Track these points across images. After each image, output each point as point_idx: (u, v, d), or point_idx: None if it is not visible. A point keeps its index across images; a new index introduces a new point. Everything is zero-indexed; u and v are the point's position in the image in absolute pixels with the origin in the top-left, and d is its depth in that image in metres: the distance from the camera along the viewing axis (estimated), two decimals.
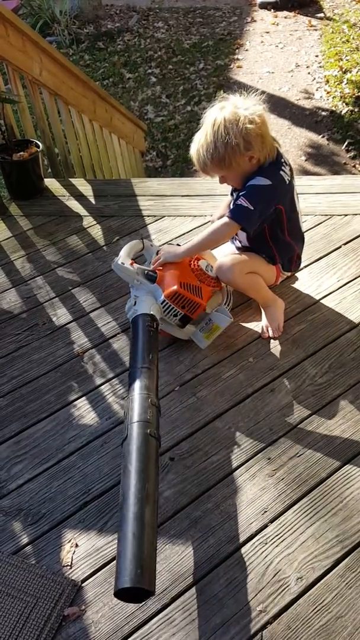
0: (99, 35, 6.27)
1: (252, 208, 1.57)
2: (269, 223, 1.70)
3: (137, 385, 1.41)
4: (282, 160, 1.63)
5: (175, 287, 1.64)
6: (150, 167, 4.29)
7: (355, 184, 2.38)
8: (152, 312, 1.64)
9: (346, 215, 2.20)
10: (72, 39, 6.13)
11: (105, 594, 1.25)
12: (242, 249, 1.85)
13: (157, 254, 1.80)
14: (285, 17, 6.35)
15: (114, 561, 1.29)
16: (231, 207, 1.65)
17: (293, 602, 1.20)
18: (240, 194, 1.60)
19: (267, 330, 1.77)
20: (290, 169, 1.67)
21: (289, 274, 1.91)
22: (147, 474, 1.21)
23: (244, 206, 1.58)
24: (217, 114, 1.53)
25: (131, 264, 1.70)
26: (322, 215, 2.20)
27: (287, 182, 1.63)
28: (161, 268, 1.72)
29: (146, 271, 1.70)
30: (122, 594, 1.07)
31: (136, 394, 1.39)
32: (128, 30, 6.40)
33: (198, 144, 1.57)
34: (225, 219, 1.62)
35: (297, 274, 1.97)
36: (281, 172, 1.61)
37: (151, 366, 1.49)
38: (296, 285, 1.93)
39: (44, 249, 2.25)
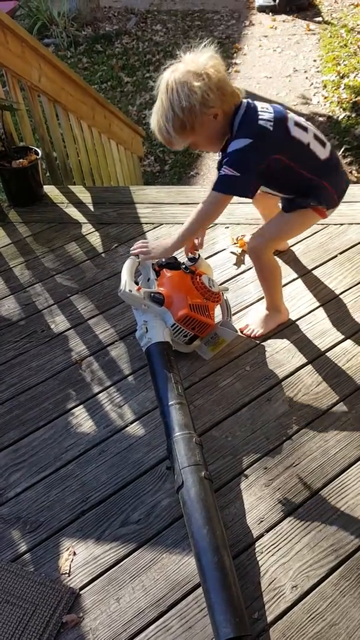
0: (97, 37, 6.28)
1: (238, 174, 1.46)
2: (280, 172, 1.54)
3: (176, 424, 1.42)
4: (254, 104, 1.49)
5: (185, 310, 1.64)
6: (148, 172, 4.31)
7: (351, 193, 2.38)
8: (166, 339, 1.63)
9: (342, 224, 2.22)
10: (70, 41, 6.14)
11: (102, 602, 1.27)
12: (283, 203, 1.71)
13: (152, 268, 1.79)
14: (284, 21, 6.38)
15: (112, 569, 1.32)
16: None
17: (288, 610, 1.22)
18: (224, 162, 1.50)
19: (251, 330, 1.82)
20: (278, 108, 1.51)
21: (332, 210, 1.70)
22: (213, 521, 1.25)
23: (228, 175, 1.47)
24: (168, 77, 1.43)
25: (138, 290, 1.67)
26: (318, 224, 2.21)
27: (271, 128, 1.46)
28: (164, 290, 1.69)
29: (152, 294, 1.68)
30: None
31: (179, 435, 1.40)
32: (126, 33, 6.41)
33: (156, 115, 1.47)
34: (212, 193, 1.52)
35: (293, 283, 2.00)
36: (260, 122, 1.46)
37: (182, 400, 1.50)
38: (292, 294, 1.95)
39: (42, 256, 2.26)
